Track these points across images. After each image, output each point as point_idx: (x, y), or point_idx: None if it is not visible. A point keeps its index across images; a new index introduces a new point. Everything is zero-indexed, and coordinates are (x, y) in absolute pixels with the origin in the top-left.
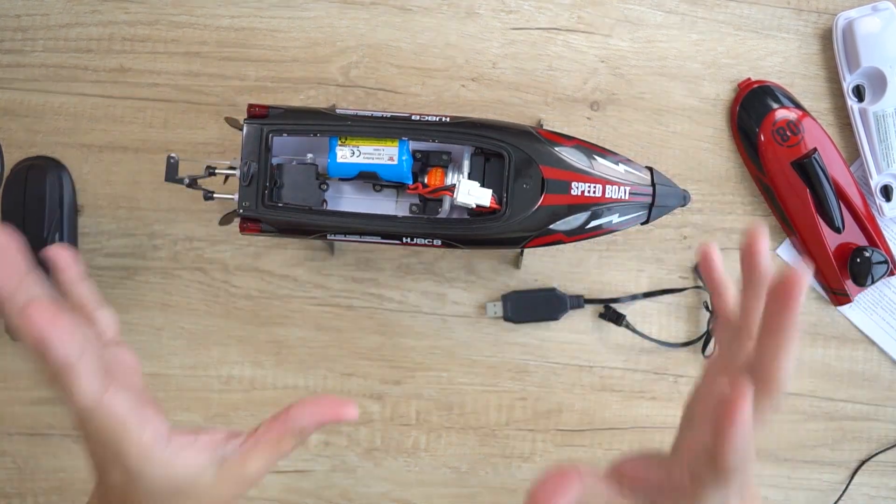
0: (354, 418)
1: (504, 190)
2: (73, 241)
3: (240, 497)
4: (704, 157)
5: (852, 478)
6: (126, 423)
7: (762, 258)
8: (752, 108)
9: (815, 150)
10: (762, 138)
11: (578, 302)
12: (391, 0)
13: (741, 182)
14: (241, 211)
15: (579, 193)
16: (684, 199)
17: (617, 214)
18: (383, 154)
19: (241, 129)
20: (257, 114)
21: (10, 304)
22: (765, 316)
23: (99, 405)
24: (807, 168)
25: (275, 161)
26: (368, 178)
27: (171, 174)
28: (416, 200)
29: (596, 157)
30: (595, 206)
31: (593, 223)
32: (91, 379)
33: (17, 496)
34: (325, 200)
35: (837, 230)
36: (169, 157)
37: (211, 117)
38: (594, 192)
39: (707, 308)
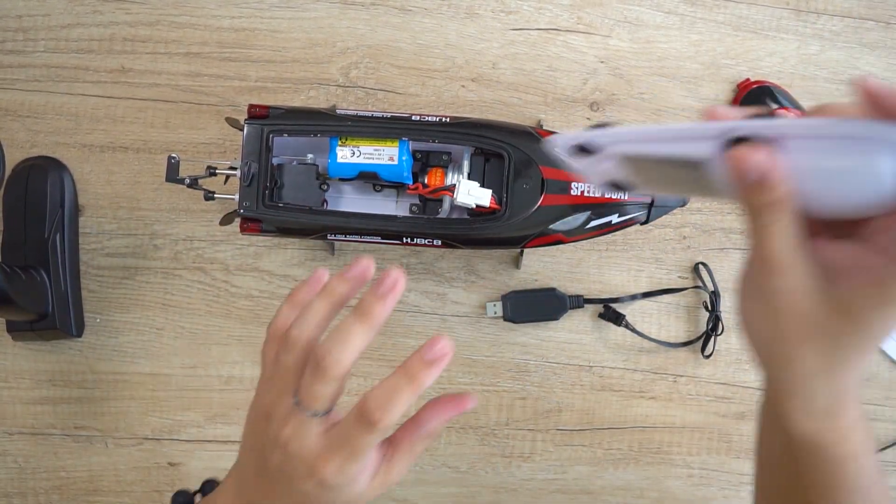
0: (475, 405)
1: (504, 190)
2: (73, 240)
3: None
4: None
5: None
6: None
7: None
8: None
9: None
10: None
11: (578, 302)
12: (391, 1)
13: None
14: (241, 211)
15: (579, 193)
16: (683, 199)
17: (616, 214)
18: (383, 154)
19: (242, 130)
20: (258, 114)
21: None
22: None
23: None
24: None
25: (275, 161)
26: (369, 178)
27: (172, 174)
28: (416, 200)
29: None
30: (594, 206)
31: (593, 223)
32: None
33: (18, 495)
34: (325, 200)
35: None
36: (170, 158)
37: (212, 118)
38: (594, 192)
39: (706, 308)
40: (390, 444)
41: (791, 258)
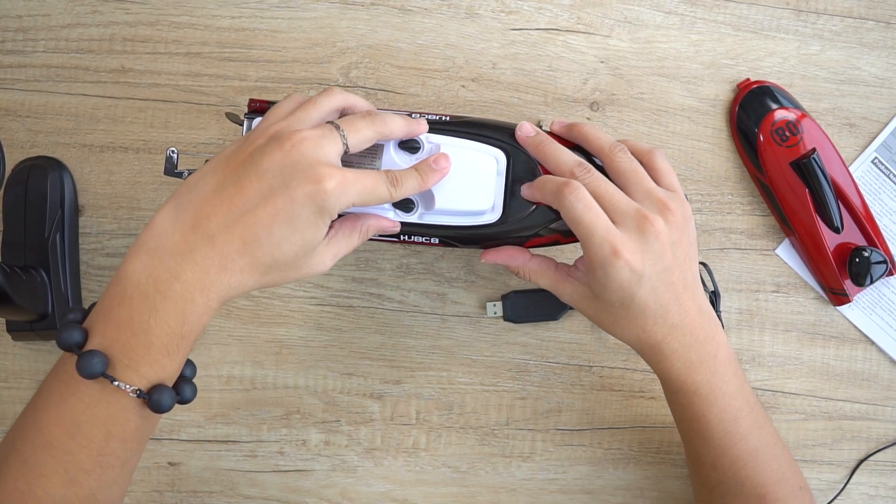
0: (397, 229)
1: (503, 189)
2: (74, 241)
3: (311, 276)
4: (704, 157)
5: (851, 477)
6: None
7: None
8: (751, 108)
9: (813, 150)
10: (761, 138)
11: None
12: (391, 0)
13: (740, 182)
14: None
15: None
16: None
17: None
18: None
19: (242, 125)
20: (258, 108)
21: None
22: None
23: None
24: (806, 168)
25: None
26: None
27: (170, 168)
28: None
29: (595, 156)
30: None
31: None
32: None
33: None
34: None
35: (836, 230)
36: (169, 152)
37: (212, 118)
38: None
39: None
40: (331, 227)
41: (561, 287)
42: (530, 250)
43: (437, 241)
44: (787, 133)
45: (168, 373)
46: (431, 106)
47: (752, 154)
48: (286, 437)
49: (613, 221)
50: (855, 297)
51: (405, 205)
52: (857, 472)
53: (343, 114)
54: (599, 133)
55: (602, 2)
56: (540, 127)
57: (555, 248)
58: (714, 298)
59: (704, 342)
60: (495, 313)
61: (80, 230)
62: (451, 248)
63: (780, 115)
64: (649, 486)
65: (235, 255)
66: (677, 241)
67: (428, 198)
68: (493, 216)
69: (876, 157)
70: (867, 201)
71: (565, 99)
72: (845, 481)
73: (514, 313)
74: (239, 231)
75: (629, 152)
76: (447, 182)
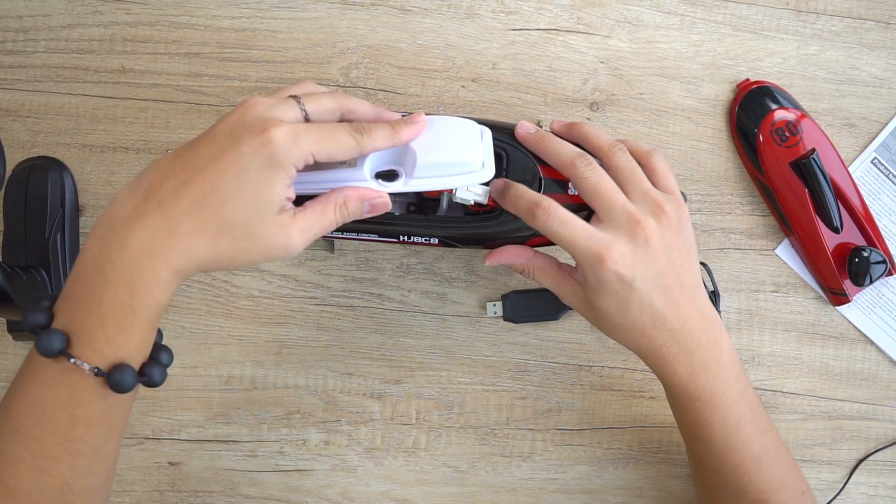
0: (388, 208)
1: None
2: (74, 241)
3: (277, 253)
4: (703, 157)
5: (850, 477)
6: None
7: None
8: (750, 108)
9: (813, 150)
10: (761, 139)
11: None
12: (391, 1)
13: (740, 182)
14: None
15: (577, 193)
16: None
17: None
18: None
19: None
20: None
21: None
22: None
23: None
24: (805, 168)
25: None
26: None
27: None
28: (414, 199)
29: (594, 156)
30: None
31: None
32: None
33: None
34: None
35: (836, 230)
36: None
37: (212, 118)
38: None
39: None
40: (304, 205)
41: (562, 287)
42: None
43: (437, 241)
44: (787, 133)
45: (126, 351)
46: (431, 106)
47: (752, 154)
48: (286, 436)
49: (603, 221)
50: (854, 297)
51: (388, 175)
52: (857, 471)
53: (343, 119)
54: (599, 132)
55: (602, 2)
56: (539, 126)
57: (554, 247)
58: (714, 298)
59: (707, 347)
60: (495, 313)
61: (81, 230)
62: (451, 248)
63: (780, 115)
64: (649, 486)
65: (182, 216)
66: (672, 243)
67: (409, 159)
68: (485, 174)
69: (875, 158)
70: (867, 201)
71: (565, 99)
72: (845, 481)
73: (514, 313)
74: (186, 192)
75: (628, 152)
76: (428, 140)
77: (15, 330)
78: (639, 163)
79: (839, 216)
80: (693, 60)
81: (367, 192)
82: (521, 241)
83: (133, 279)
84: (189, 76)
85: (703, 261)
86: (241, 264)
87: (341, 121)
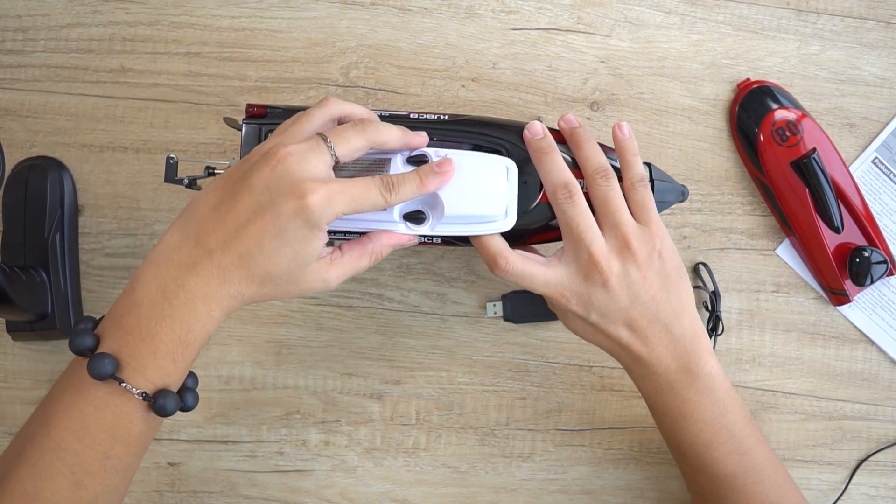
0: (415, 243)
1: None
2: (73, 240)
3: (314, 292)
4: (704, 157)
5: (851, 477)
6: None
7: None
8: (751, 108)
9: (814, 150)
10: (761, 138)
11: None
12: (391, 0)
13: (740, 182)
14: None
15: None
16: (683, 194)
17: None
18: None
19: (240, 130)
20: (256, 114)
21: None
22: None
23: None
24: (806, 168)
25: None
26: None
27: (171, 175)
28: None
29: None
30: None
31: None
32: None
33: None
34: None
35: (836, 230)
36: (168, 158)
37: (211, 117)
38: None
39: (706, 308)
40: (340, 248)
41: (544, 288)
42: (535, 248)
43: (438, 239)
44: (788, 133)
45: (172, 379)
46: (431, 106)
47: (753, 154)
48: (286, 437)
49: (566, 255)
50: (855, 297)
51: (416, 217)
52: (858, 472)
53: (342, 121)
54: (592, 152)
55: (602, 2)
56: (540, 121)
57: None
58: (714, 298)
59: (676, 371)
60: (495, 313)
61: (80, 230)
62: (451, 248)
63: (781, 114)
64: (649, 487)
65: (232, 267)
66: (637, 280)
67: (438, 207)
68: (506, 223)
69: (876, 157)
70: (867, 201)
71: (565, 99)
72: (846, 482)
73: (514, 313)
74: (234, 245)
75: (613, 178)
76: (455, 188)
77: (15, 330)
78: (626, 187)
79: (840, 216)
80: (693, 60)
81: (399, 239)
82: (524, 238)
83: (189, 317)
84: (188, 76)
85: (704, 261)
86: (283, 299)
87: (371, 150)
